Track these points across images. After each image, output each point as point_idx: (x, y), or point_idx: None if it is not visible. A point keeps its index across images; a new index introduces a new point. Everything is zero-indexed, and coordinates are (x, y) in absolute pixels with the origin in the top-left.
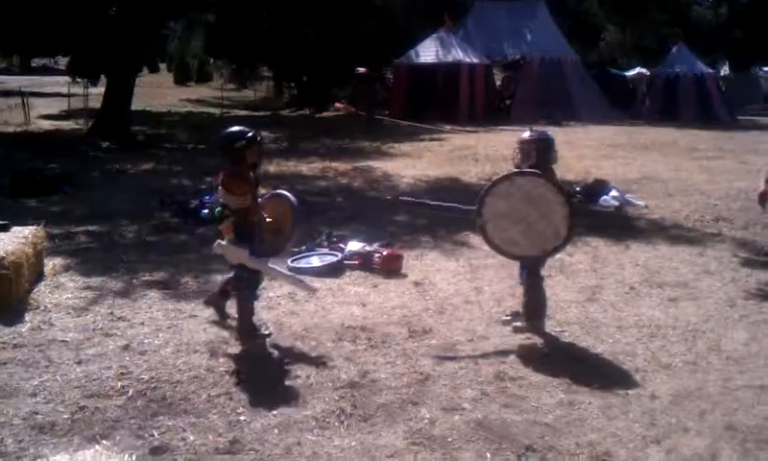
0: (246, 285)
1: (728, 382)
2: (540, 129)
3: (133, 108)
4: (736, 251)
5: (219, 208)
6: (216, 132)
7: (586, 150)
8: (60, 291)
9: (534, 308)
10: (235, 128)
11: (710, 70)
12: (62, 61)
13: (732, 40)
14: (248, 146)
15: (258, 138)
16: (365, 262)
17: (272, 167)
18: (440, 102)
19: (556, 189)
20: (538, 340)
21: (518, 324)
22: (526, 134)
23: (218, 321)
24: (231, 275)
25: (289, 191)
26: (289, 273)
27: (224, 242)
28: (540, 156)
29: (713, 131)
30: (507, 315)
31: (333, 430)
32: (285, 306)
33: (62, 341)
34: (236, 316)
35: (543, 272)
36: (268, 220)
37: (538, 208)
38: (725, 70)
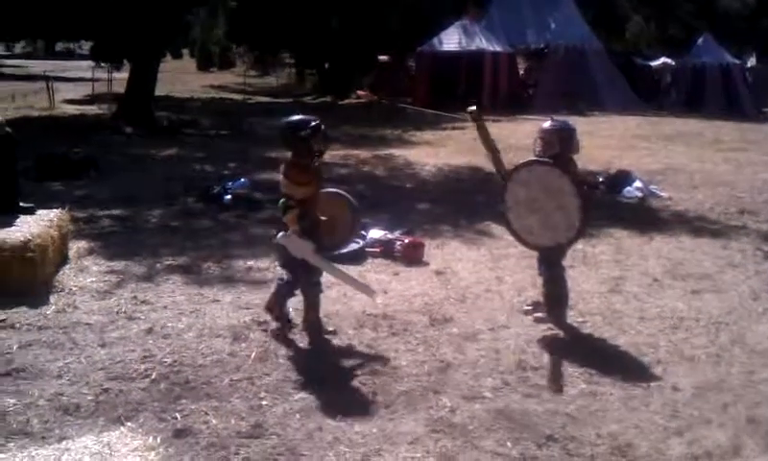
0: (310, 280)
1: (751, 375)
2: (561, 118)
3: (157, 93)
4: (761, 244)
5: (283, 200)
6: (280, 120)
7: (609, 140)
8: (85, 274)
9: (555, 299)
10: (299, 116)
11: (737, 61)
12: (86, 46)
13: (760, 31)
14: (312, 135)
15: (322, 127)
16: (386, 250)
17: None
18: (463, 90)
19: (570, 181)
20: (559, 331)
21: (539, 314)
22: (547, 124)
23: (281, 329)
24: (283, 274)
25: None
26: (350, 274)
27: (288, 233)
28: (562, 145)
29: (739, 122)
30: (528, 305)
31: (354, 417)
32: None
33: (87, 324)
34: (304, 312)
35: (566, 262)
36: (322, 218)
37: (555, 199)
38: (752, 61)
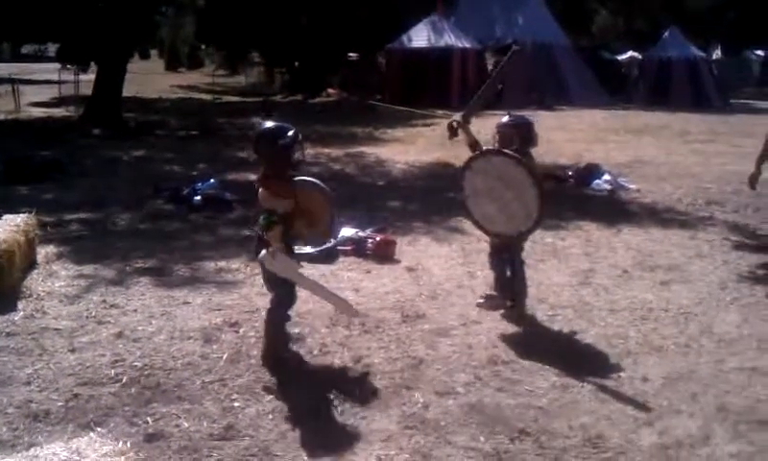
0: (283, 302)
1: (720, 364)
2: (518, 113)
3: (124, 94)
4: (728, 234)
5: (265, 215)
6: (256, 129)
7: (578, 134)
8: (53, 279)
9: (518, 293)
10: (275, 124)
11: (703, 54)
12: (52, 48)
13: (725, 23)
14: (292, 144)
15: (300, 136)
16: (358, 248)
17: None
18: (432, 87)
19: (527, 171)
20: (530, 326)
21: (509, 303)
22: (505, 119)
23: (284, 358)
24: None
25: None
26: (334, 292)
27: (272, 252)
28: (520, 140)
29: (706, 114)
30: (480, 297)
31: (327, 416)
32: None
33: (56, 329)
34: (264, 337)
35: (536, 257)
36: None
37: (512, 189)
38: (717, 54)
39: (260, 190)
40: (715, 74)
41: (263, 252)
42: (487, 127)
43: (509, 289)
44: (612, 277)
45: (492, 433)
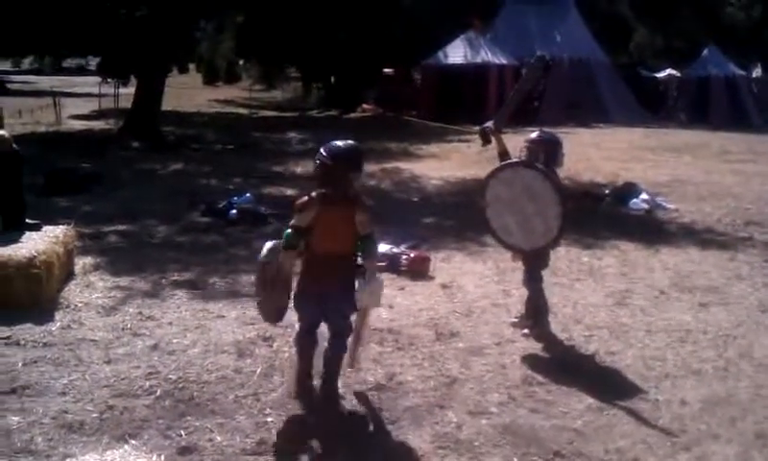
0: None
1: (759, 389)
2: (549, 130)
3: (163, 108)
4: None
5: (367, 239)
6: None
7: (615, 152)
8: (90, 290)
9: (538, 312)
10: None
11: (743, 72)
12: (93, 62)
13: (766, 42)
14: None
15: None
16: (392, 264)
17: (299, 168)
18: (468, 103)
19: (554, 187)
20: (567, 345)
21: (527, 331)
22: (534, 135)
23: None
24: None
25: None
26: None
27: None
28: (547, 157)
29: (745, 134)
30: (515, 317)
31: (360, 433)
32: None
33: (92, 340)
34: (328, 370)
35: (572, 276)
36: None
37: (535, 203)
38: (757, 72)
39: (367, 216)
40: (755, 92)
41: (376, 279)
42: (519, 143)
43: (538, 310)
44: (649, 297)
45: (526, 455)
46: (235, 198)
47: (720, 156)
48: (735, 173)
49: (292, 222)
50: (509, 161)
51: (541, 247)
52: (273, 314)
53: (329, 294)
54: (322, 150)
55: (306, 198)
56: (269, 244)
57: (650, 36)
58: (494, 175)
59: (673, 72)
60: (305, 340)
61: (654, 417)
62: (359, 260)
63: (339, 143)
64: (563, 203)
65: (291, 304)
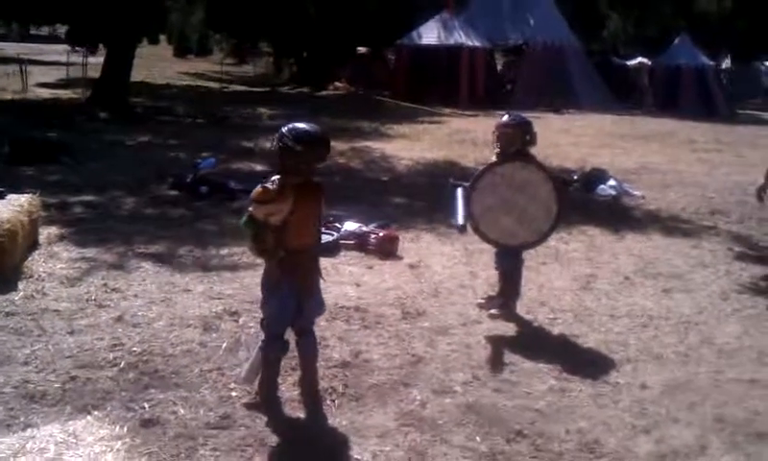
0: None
1: (719, 375)
2: (515, 112)
3: (132, 79)
4: (731, 244)
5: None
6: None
7: (584, 138)
8: (55, 261)
9: (514, 293)
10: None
11: (712, 63)
12: (62, 29)
13: (736, 32)
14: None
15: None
16: (361, 243)
17: (269, 144)
18: (440, 84)
19: (536, 168)
20: (513, 325)
21: (494, 311)
22: (506, 119)
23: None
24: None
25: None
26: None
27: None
28: (522, 140)
29: (713, 123)
30: (481, 298)
31: (324, 409)
32: None
33: (55, 310)
34: (313, 362)
35: (538, 260)
36: None
37: (524, 192)
38: (726, 63)
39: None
40: (724, 83)
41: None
42: (490, 127)
43: (514, 285)
44: (613, 283)
45: (489, 434)
46: (199, 162)
47: (687, 144)
48: (701, 162)
49: (253, 212)
50: (482, 168)
51: (551, 228)
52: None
53: (310, 291)
54: (285, 132)
55: (277, 188)
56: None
57: (622, 23)
58: (474, 187)
59: (644, 60)
60: (277, 347)
61: (615, 400)
62: None
63: (305, 126)
64: (550, 177)
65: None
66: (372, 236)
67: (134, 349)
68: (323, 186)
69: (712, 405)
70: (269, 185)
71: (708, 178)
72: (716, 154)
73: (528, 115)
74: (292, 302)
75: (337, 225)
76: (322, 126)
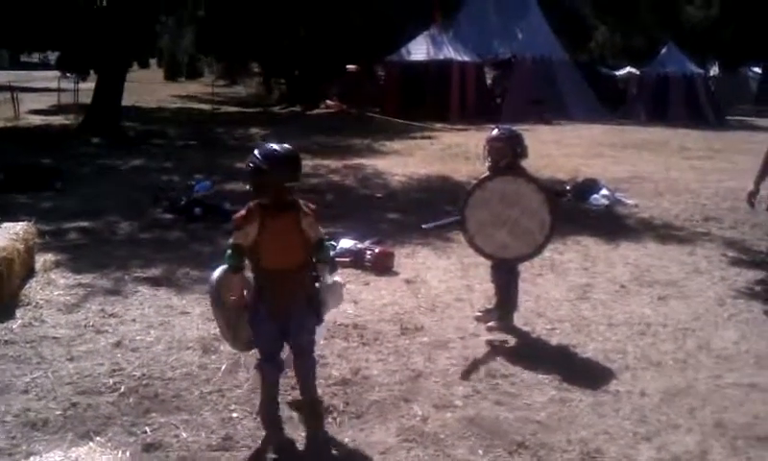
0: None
1: (717, 380)
2: (505, 125)
3: (124, 103)
4: (725, 250)
5: (318, 246)
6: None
7: (576, 149)
8: (52, 288)
9: (507, 305)
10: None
11: (700, 71)
12: (53, 56)
13: (722, 40)
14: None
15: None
16: (356, 260)
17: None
18: (431, 100)
19: (526, 180)
20: (511, 337)
21: (492, 324)
22: (496, 132)
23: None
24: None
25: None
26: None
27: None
28: (513, 153)
29: (703, 131)
30: (479, 311)
31: (326, 427)
32: None
33: (54, 338)
34: (308, 381)
35: (534, 271)
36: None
37: (517, 205)
38: (714, 70)
39: (313, 220)
40: (712, 90)
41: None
42: (481, 141)
43: (509, 301)
44: (609, 291)
45: (491, 447)
46: (195, 185)
47: (679, 152)
48: (693, 169)
49: (231, 240)
50: (474, 183)
51: (545, 240)
52: (242, 344)
53: (289, 313)
54: (256, 152)
55: (244, 211)
56: (215, 276)
57: (610, 34)
58: (467, 204)
59: (632, 70)
60: (267, 369)
61: (615, 408)
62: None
63: (275, 146)
64: (542, 189)
65: None
66: (368, 253)
67: (134, 373)
68: (300, 206)
69: (712, 411)
70: (242, 210)
71: (701, 184)
72: (708, 160)
73: (518, 128)
74: (270, 324)
75: (332, 242)
76: (313, 144)
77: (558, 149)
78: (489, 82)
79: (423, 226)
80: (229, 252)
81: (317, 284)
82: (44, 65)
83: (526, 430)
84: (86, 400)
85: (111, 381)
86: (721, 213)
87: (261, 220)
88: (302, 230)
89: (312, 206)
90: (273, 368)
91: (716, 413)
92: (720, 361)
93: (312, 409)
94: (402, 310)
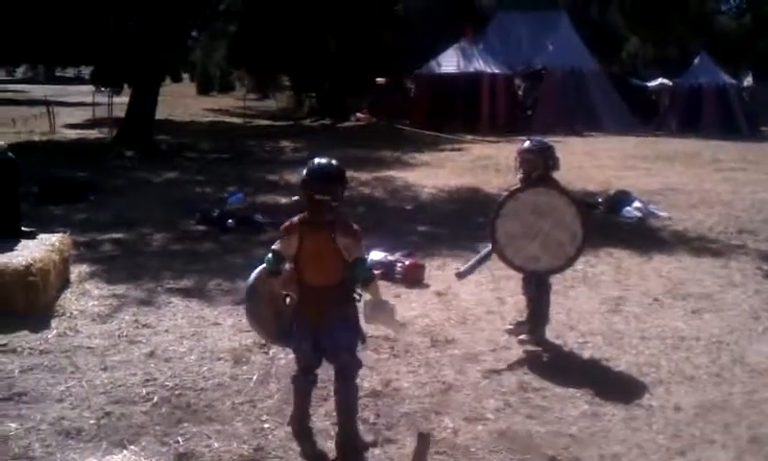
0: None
1: (752, 395)
2: (536, 137)
3: (157, 117)
4: (760, 263)
5: (367, 265)
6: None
7: (608, 160)
8: (86, 298)
9: (539, 318)
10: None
11: (733, 81)
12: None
13: (756, 50)
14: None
15: None
16: (387, 272)
17: (293, 177)
18: (461, 112)
19: (558, 192)
20: (543, 350)
21: (523, 336)
22: (527, 144)
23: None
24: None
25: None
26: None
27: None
28: (545, 165)
29: (737, 142)
30: (510, 324)
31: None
32: None
33: (88, 347)
34: (344, 412)
35: (566, 283)
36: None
37: (549, 218)
38: (748, 81)
39: (351, 237)
40: (746, 101)
41: (368, 303)
42: (511, 152)
43: (541, 315)
44: (642, 304)
45: (523, 460)
46: (228, 197)
47: (711, 164)
48: (727, 181)
49: (274, 246)
50: (505, 194)
51: (577, 253)
52: (276, 337)
53: (323, 328)
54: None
55: (288, 222)
56: (252, 279)
57: (641, 45)
58: (498, 214)
59: (665, 81)
60: (300, 381)
61: (648, 422)
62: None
63: (317, 159)
64: (573, 201)
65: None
66: (399, 265)
67: (167, 383)
68: (339, 224)
69: (747, 426)
70: (288, 221)
71: (735, 196)
72: (741, 172)
73: (550, 139)
74: (305, 339)
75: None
76: (343, 157)
77: (590, 161)
78: (519, 93)
79: (456, 273)
80: (269, 255)
81: (357, 303)
82: (79, 80)
83: (558, 444)
84: (120, 410)
85: (144, 391)
86: (755, 225)
87: (300, 234)
88: (337, 249)
89: (355, 227)
90: (305, 380)
91: (752, 428)
92: (755, 375)
93: (342, 452)
94: (433, 323)
